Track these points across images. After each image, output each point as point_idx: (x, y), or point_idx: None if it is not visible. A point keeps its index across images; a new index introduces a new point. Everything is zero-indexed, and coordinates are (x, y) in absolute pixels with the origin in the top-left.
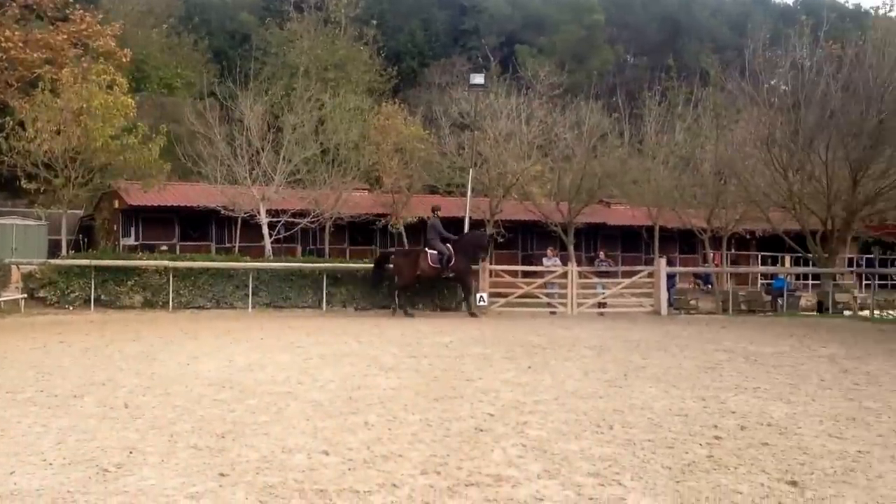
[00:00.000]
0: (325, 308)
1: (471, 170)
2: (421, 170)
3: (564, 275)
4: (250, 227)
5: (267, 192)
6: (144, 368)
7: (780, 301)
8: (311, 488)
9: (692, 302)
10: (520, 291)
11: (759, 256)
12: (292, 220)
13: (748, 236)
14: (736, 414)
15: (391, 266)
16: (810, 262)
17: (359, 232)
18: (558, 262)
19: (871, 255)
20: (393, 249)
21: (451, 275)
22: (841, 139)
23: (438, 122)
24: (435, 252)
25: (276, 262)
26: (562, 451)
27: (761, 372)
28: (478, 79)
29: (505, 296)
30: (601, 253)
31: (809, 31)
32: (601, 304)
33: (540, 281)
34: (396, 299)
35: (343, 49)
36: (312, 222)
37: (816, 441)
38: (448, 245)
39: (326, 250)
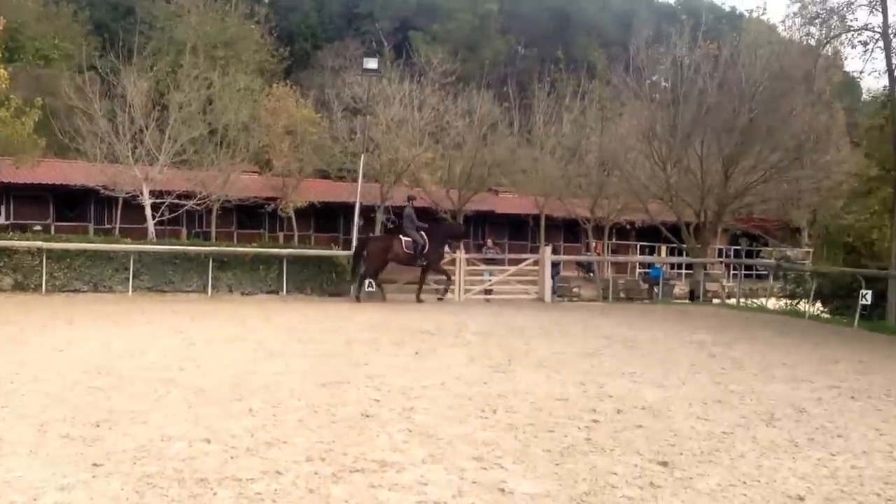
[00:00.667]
0: (210, 292)
1: (362, 155)
2: (312, 154)
3: (452, 261)
4: (132, 208)
5: (150, 171)
6: (13, 354)
7: (656, 289)
8: (191, 477)
9: (575, 289)
10: (408, 277)
11: (638, 246)
12: (177, 201)
13: (628, 226)
14: (613, 398)
15: (365, 252)
16: (684, 253)
17: (247, 215)
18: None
19: (739, 247)
20: (370, 235)
21: (423, 263)
22: (715, 135)
23: (331, 105)
24: (410, 239)
25: (160, 244)
26: (446, 436)
27: (637, 357)
28: (371, 63)
29: (394, 281)
30: (489, 240)
31: (689, 30)
32: (488, 291)
33: None
34: (360, 284)
35: (233, 27)
36: (199, 204)
37: (686, 423)
38: (422, 233)
39: (213, 233)
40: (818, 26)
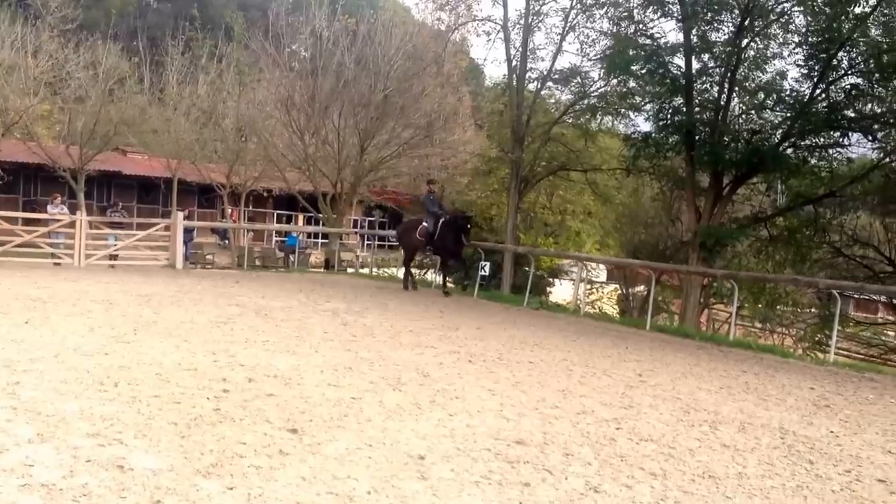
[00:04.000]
0: None
1: None
2: None
3: (72, 224)
4: None
5: None
6: None
7: (292, 258)
8: None
9: (208, 256)
10: (19, 240)
11: (275, 214)
12: None
13: (265, 194)
14: (245, 367)
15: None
16: (321, 222)
17: None
18: (66, 210)
19: (373, 218)
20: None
21: (430, 251)
22: (352, 109)
23: None
24: (424, 226)
25: None
26: (58, 412)
27: (271, 326)
28: None
29: (1, 244)
30: (119, 203)
31: (328, 2)
32: (113, 257)
33: (44, 230)
34: (408, 274)
35: None
36: None
37: (317, 390)
38: (437, 222)
39: None
40: (448, 13)
